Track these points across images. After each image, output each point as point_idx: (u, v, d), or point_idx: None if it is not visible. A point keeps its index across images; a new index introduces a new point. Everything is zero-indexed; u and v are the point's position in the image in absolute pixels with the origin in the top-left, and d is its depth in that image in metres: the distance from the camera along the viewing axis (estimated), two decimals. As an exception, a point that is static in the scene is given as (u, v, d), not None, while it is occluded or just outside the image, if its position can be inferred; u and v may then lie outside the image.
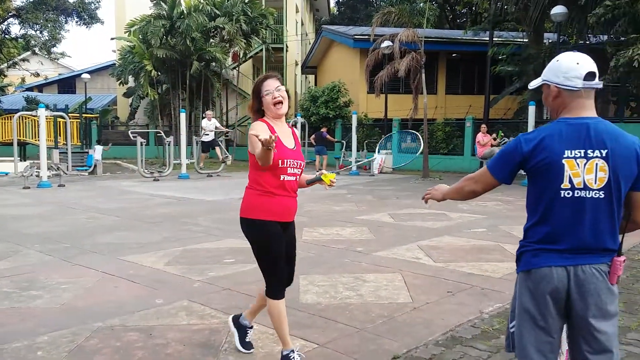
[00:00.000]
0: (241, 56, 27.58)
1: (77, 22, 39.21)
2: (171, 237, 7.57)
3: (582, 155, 2.14)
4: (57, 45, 38.43)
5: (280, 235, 3.20)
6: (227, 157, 18.84)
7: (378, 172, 19.29)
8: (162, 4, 24.79)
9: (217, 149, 18.76)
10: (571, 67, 2.19)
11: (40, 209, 10.22)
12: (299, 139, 3.40)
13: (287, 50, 30.57)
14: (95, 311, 4.40)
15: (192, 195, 12.65)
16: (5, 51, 36.07)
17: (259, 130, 3.05)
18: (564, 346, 2.34)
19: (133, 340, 3.79)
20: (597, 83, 2.19)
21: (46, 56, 39.18)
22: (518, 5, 18.21)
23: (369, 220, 8.90)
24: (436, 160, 19.30)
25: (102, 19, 46.29)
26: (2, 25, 34.99)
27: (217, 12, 24.80)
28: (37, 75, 37.46)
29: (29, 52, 38.53)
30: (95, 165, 18.67)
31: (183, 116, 18.19)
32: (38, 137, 15.96)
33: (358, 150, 20.16)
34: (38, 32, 36.61)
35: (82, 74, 32.53)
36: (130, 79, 27.78)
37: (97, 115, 29.26)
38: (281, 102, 3.19)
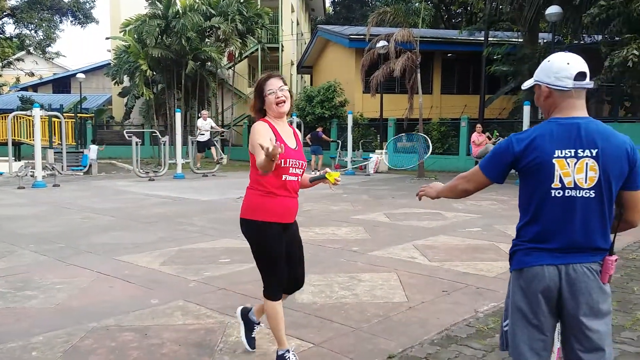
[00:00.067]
0: (237, 56, 27.54)
1: (72, 21, 39.20)
2: (167, 237, 7.56)
3: (573, 154, 2.16)
4: (51, 44, 38.46)
5: (281, 236, 3.19)
6: (222, 158, 18.82)
7: (374, 172, 19.31)
8: (158, 3, 24.74)
9: (213, 149, 18.75)
10: (562, 67, 2.21)
11: (35, 209, 10.19)
12: (300, 140, 3.38)
13: (282, 50, 30.56)
14: (90, 311, 4.39)
15: (187, 195, 12.64)
16: (-1, 51, 35.99)
17: (262, 133, 3.05)
18: (556, 344, 2.36)
19: (128, 340, 3.79)
20: (588, 83, 2.21)
21: (41, 56, 39.10)
22: (513, 5, 18.26)
23: (364, 220, 8.91)
24: (431, 159, 19.32)
25: (97, 18, 46.29)
26: (-4, 24, 34.91)
27: (213, 11, 24.76)
28: (32, 74, 37.37)
29: (23, 52, 38.45)
30: (90, 165, 18.62)
31: (178, 116, 18.15)
32: (33, 137, 15.92)
33: (354, 150, 20.17)
34: (33, 31, 36.58)
35: (77, 73, 32.38)
36: (126, 78, 27.71)
37: (92, 115, 29.14)
38: (284, 102, 3.17)
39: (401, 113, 20.67)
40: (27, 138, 21.70)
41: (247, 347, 3.57)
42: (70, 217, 9.31)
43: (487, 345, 3.68)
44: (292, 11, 34.60)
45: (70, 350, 3.61)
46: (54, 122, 21.19)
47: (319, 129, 20.00)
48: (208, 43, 25.70)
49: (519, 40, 20.70)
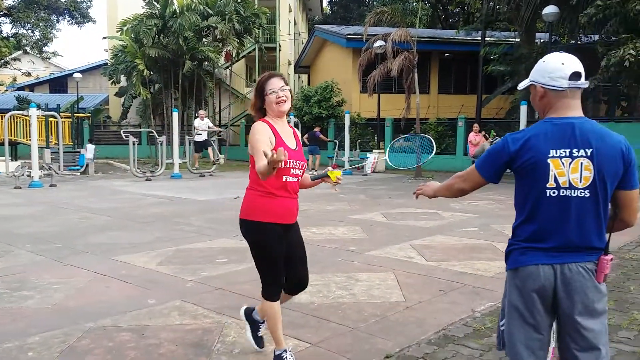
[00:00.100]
0: (234, 56, 27.54)
1: (68, 21, 39.11)
2: (163, 237, 7.55)
3: (567, 154, 2.16)
4: (48, 44, 38.37)
5: (280, 237, 3.16)
6: (218, 158, 18.82)
7: (371, 171, 19.32)
8: (155, 3, 24.70)
9: (210, 150, 18.75)
10: (556, 67, 2.21)
11: (32, 209, 10.17)
12: (300, 140, 3.36)
13: (280, 50, 30.55)
14: (87, 311, 4.38)
15: (184, 195, 12.62)
16: (-4, 50, 35.87)
17: (262, 133, 3.03)
18: (551, 344, 2.36)
19: (125, 340, 3.78)
20: (583, 83, 2.21)
21: (38, 55, 39.01)
22: (510, 5, 18.28)
23: (361, 220, 8.91)
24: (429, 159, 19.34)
25: (94, 18, 46.23)
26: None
27: (210, 11, 24.75)
28: (29, 74, 37.26)
29: (20, 52, 38.35)
30: (87, 165, 18.58)
31: (175, 115, 18.13)
32: (29, 137, 15.88)
33: (351, 150, 20.18)
34: (29, 31, 36.50)
35: (73, 73, 32.36)
36: (123, 78, 27.67)
37: (89, 114, 29.10)
38: (285, 101, 3.15)
39: (398, 113, 20.68)
40: (23, 138, 21.64)
41: (255, 347, 3.56)
42: (67, 217, 9.29)
43: (485, 345, 3.68)
44: (290, 11, 34.59)
45: (67, 351, 3.60)
46: (51, 121, 21.16)
47: (317, 129, 20.00)
48: (205, 43, 25.69)
49: (516, 40, 20.74)
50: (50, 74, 42.91)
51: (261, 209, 3.11)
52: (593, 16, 12.89)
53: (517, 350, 2.25)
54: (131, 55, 24.44)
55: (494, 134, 17.59)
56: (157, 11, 24.53)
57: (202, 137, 18.54)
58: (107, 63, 31.10)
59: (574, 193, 2.17)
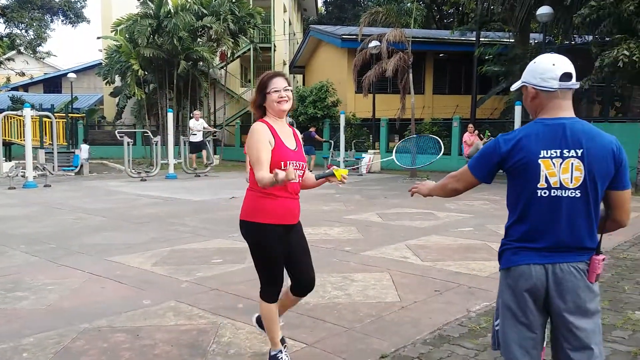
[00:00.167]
0: (229, 56, 27.49)
1: (62, 21, 38.98)
2: (158, 237, 7.53)
3: (558, 155, 2.18)
4: (42, 44, 38.21)
5: (281, 239, 3.13)
6: (211, 162, 18.80)
7: (366, 171, 19.34)
8: (149, 3, 24.64)
9: (204, 152, 18.76)
10: (547, 68, 2.23)
11: (26, 210, 10.13)
12: (300, 140, 3.33)
13: (274, 50, 30.53)
14: (82, 312, 4.37)
15: (179, 195, 12.60)
16: (-11, 50, 35.71)
17: (261, 134, 3.01)
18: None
19: (120, 341, 3.77)
20: (574, 84, 2.23)
21: (32, 55, 38.86)
22: (504, 6, 18.33)
23: (357, 220, 8.92)
24: (423, 159, 19.36)
25: (88, 17, 46.07)
26: (-14, 24, 34.68)
27: (205, 11, 24.69)
28: (23, 74, 37.10)
29: (14, 52, 38.17)
30: (81, 166, 18.52)
31: (170, 116, 18.10)
32: (23, 137, 15.81)
33: (346, 150, 20.19)
34: (23, 31, 36.33)
35: (68, 73, 32.21)
36: (117, 78, 27.60)
37: (84, 115, 29.01)
38: (286, 101, 3.12)
39: (393, 113, 20.71)
40: (17, 138, 21.54)
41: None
42: (62, 217, 9.26)
43: (480, 345, 3.69)
44: (285, 11, 34.58)
45: (62, 352, 3.59)
46: (45, 122, 21.08)
47: (312, 129, 20.01)
48: (200, 43, 25.64)
49: (511, 40, 20.80)
50: (45, 74, 42.75)
51: (261, 210, 3.08)
52: (587, 17, 12.93)
53: (511, 349, 2.26)
54: (126, 55, 24.38)
55: (489, 134, 17.63)
56: (151, 11, 24.48)
57: (197, 137, 18.52)
58: (101, 63, 30.99)
59: (565, 193, 2.18)
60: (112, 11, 29.59)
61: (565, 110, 2.24)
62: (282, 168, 3.00)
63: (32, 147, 15.04)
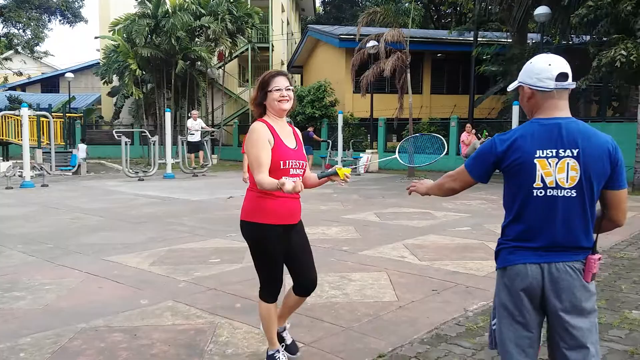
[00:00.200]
0: (227, 55, 27.49)
1: (60, 20, 38.88)
2: (156, 237, 7.52)
3: (554, 154, 2.18)
4: (40, 44, 38.05)
5: (280, 239, 3.11)
6: (207, 164, 18.79)
7: (364, 171, 19.34)
8: (147, 2, 24.63)
9: (201, 153, 18.76)
10: (543, 68, 2.24)
11: (24, 210, 10.11)
12: (300, 139, 3.30)
13: (272, 50, 30.51)
14: (79, 312, 4.36)
15: (177, 195, 12.59)
16: (-13, 50, 35.66)
17: (260, 134, 2.99)
18: None
19: (117, 341, 3.77)
20: (570, 84, 2.24)
21: (29, 55, 38.75)
22: (502, 6, 18.36)
23: (354, 220, 8.92)
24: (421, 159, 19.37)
25: (86, 17, 46.01)
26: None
27: (203, 11, 24.69)
28: (20, 74, 37.00)
29: (11, 51, 38.08)
30: (79, 165, 18.50)
31: (168, 115, 18.08)
32: (21, 137, 15.79)
33: (344, 150, 20.19)
34: (21, 30, 36.22)
35: (65, 73, 32.21)
36: (115, 78, 27.57)
37: (81, 114, 28.98)
38: (287, 100, 3.10)
39: (391, 113, 20.70)
40: (15, 138, 21.52)
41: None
42: (59, 217, 9.25)
43: (477, 344, 3.69)
44: (282, 11, 34.56)
45: (59, 352, 3.58)
46: (43, 121, 21.06)
47: (310, 129, 20.00)
48: (198, 42, 25.64)
49: (508, 40, 20.83)
50: (42, 73, 42.71)
51: (261, 211, 3.06)
52: (584, 17, 12.95)
53: (507, 348, 2.27)
54: (123, 55, 24.36)
55: (486, 133, 17.64)
56: (149, 11, 24.46)
57: (195, 137, 18.51)
58: (99, 63, 30.97)
59: (561, 193, 2.19)
60: (110, 11, 29.57)
61: (562, 110, 2.25)
62: (282, 167, 3.01)
63: (30, 147, 15.03)
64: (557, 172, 2.18)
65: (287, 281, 3.30)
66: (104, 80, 28.20)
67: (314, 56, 30.63)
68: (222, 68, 28.50)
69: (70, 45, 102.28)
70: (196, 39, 25.74)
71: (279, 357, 3.26)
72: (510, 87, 2.45)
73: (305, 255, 3.29)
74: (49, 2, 35.23)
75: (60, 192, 13.28)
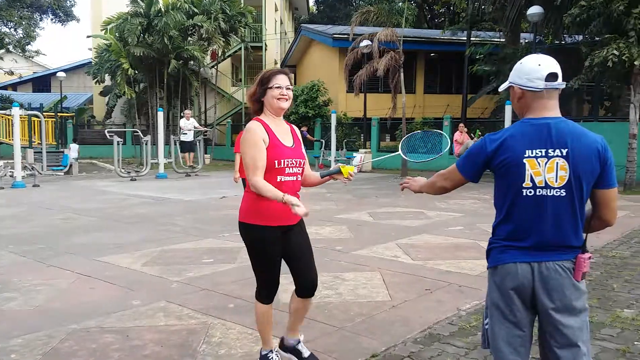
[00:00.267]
0: (220, 55, 27.40)
1: (52, 19, 38.72)
2: (148, 237, 7.49)
3: (543, 154, 2.20)
4: (31, 43, 37.85)
5: (278, 240, 3.08)
6: (197, 166, 18.73)
7: (357, 170, 19.31)
8: (139, 1, 24.53)
9: (192, 154, 18.74)
10: (533, 68, 2.25)
11: (15, 210, 10.05)
12: (299, 137, 3.26)
13: (266, 49, 30.47)
14: (71, 313, 4.33)
15: (170, 195, 12.55)
16: (-22, 49, 35.41)
17: (255, 134, 2.96)
18: None
19: (109, 342, 3.75)
20: (559, 84, 2.25)
21: (20, 54, 38.54)
22: (495, 6, 18.40)
23: (348, 219, 8.92)
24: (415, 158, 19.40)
25: (78, 16, 45.77)
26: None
27: (195, 10, 24.61)
28: (11, 73, 36.77)
29: (2, 50, 37.80)
30: (70, 165, 18.41)
31: (161, 115, 18.02)
32: (12, 137, 15.70)
33: (337, 149, 20.19)
34: (12, 29, 36.01)
35: (57, 72, 32.01)
36: (107, 77, 27.44)
37: (73, 114, 28.85)
38: (286, 100, 3.08)
39: (385, 112, 20.73)
40: (6, 138, 21.40)
41: None
42: (51, 217, 9.20)
43: (470, 343, 3.70)
44: (276, 10, 34.52)
45: (50, 353, 3.56)
46: (34, 121, 20.95)
47: (304, 129, 19.99)
48: (191, 42, 25.55)
49: (501, 40, 20.89)
50: (34, 72, 42.45)
51: (258, 212, 3.03)
52: (577, 16, 12.99)
53: (499, 347, 2.28)
54: (116, 54, 24.25)
55: (479, 133, 17.71)
56: (141, 10, 24.37)
57: (188, 137, 18.46)
58: (91, 62, 30.83)
59: (550, 192, 2.20)
60: (102, 10, 29.43)
61: (551, 110, 2.26)
62: (277, 167, 2.98)
63: (21, 147, 14.94)
64: (547, 171, 2.19)
65: (282, 282, 3.28)
66: (96, 80, 28.07)
67: (307, 56, 30.61)
68: (215, 67, 28.43)
69: (62, 45, 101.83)
70: (189, 38, 25.66)
71: (272, 357, 3.25)
72: (502, 88, 2.47)
73: (304, 257, 3.26)
74: (41, 1, 35.07)
75: (51, 192, 13.21)
